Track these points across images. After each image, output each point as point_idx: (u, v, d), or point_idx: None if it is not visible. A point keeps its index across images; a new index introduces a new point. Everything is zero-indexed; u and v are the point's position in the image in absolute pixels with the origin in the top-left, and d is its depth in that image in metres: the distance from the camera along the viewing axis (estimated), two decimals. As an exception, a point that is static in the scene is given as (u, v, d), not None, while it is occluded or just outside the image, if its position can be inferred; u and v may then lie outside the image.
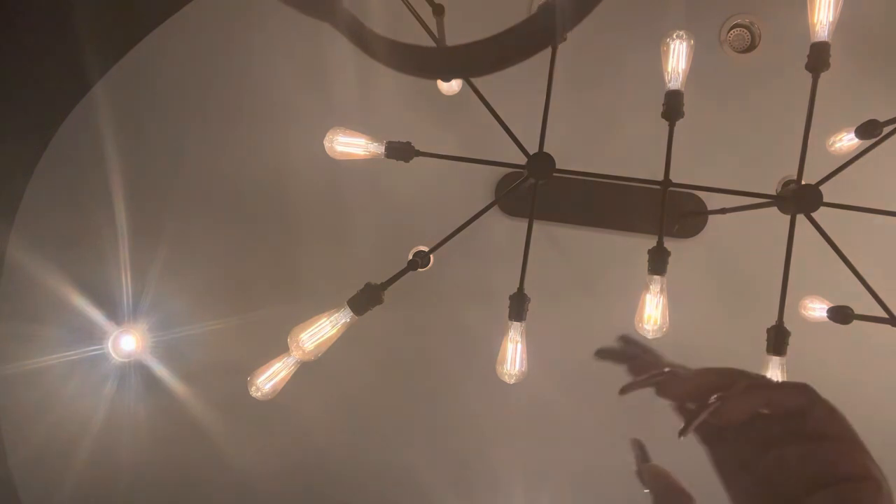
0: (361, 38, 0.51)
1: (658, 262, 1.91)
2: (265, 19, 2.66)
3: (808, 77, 1.88)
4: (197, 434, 2.82)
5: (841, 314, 1.89)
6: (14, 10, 2.40)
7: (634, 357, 0.58)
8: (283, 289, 2.89)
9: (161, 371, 2.83)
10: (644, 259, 1.95)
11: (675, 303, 1.96)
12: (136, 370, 2.84)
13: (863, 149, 1.99)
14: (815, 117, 1.89)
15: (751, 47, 2.80)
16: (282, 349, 1.83)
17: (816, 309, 2.38)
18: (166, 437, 2.91)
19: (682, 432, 0.48)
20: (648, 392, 0.54)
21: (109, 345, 2.78)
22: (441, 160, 2.01)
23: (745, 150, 2.78)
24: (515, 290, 1.91)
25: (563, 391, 2.63)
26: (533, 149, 1.89)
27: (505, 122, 1.91)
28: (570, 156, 1.98)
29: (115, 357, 2.78)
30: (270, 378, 1.84)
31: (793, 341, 1.86)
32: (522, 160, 1.89)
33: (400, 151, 2.00)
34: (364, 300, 1.77)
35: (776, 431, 0.46)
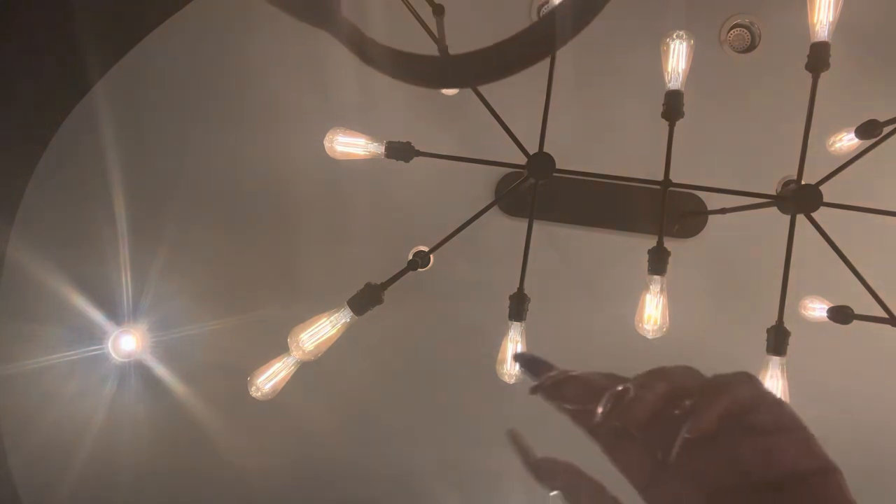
0: (361, 47, 0.51)
1: (658, 262, 1.91)
2: (265, 19, 2.66)
3: (808, 77, 1.88)
4: (197, 434, 2.82)
5: (841, 314, 1.89)
6: (14, 9, 2.40)
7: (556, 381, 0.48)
8: (283, 289, 2.89)
9: (161, 371, 2.83)
10: (644, 259, 1.95)
11: (675, 303, 1.96)
12: (136, 370, 2.84)
13: (863, 149, 1.99)
14: (815, 117, 1.89)
15: (751, 47, 2.80)
16: (282, 349, 1.83)
17: (816, 309, 2.38)
18: (166, 436, 2.91)
19: (670, 454, 0.43)
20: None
21: (109, 345, 2.78)
22: (441, 160, 2.01)
23: (745, 150, 2.78)
24: (515, 290, 1.91)
25: (563, 391, 2.62)
26: (533, 149, 1.89)
27: (505, 122, 1.91)
28: (570, 156, 1.98)
29: (115, 357, 2.78)
30: (270, 378, 1.84)
31: (793, 341, 1.86)
32: (522, 160, 1.89)
33: (400, 151, 2.00)
34: (364, 300, 1.77)
35: (721, 427, 0.42)
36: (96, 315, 2.76)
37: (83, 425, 2.79)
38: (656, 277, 1.92)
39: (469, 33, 1.81)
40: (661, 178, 1.93)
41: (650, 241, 1.95)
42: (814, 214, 1.89)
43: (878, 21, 2.71)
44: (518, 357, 0.53)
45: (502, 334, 1.95)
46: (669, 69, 1.96)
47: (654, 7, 2.52)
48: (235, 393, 2.03)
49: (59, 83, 2.73)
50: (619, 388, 0.44)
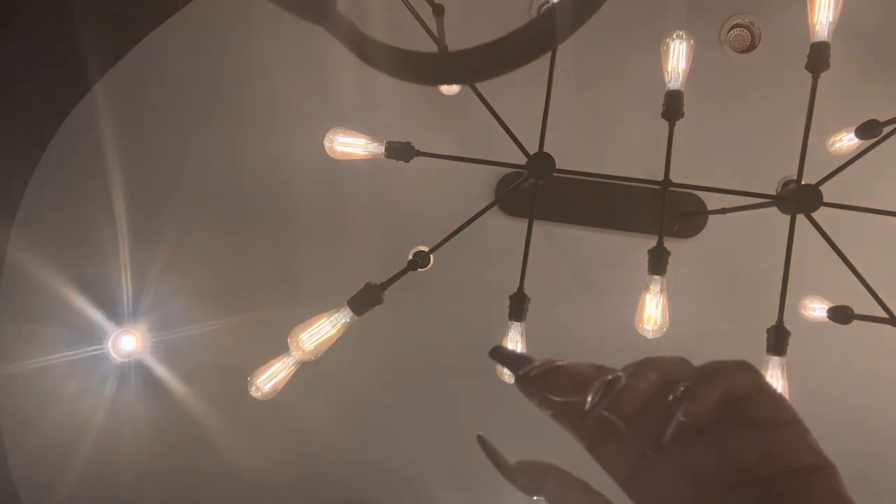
0: (359, 45, 0.51)
1: (658, 262, 1.92)
2: (265, 19, 2.66)
3: (808, 77, 1.89)
4: (197, 434, 2.82)
5: (841, 314, 1.89)
6: (14, 9, 2.40)
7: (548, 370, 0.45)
8: (283, 289, 2.89)
9: (161, 371, 2.83)
10: (644, 259, 1.95)
11: (675, 303, 1.96)
12: (136, 370, 2.84)
13: (863, 149, 1.99)
14: (815, 117, 1.89)
15: (751, 47, 2.80)
16: (282, 349, 1.83)
17: (816, 309, 2.38)
18: (166, 436, 2.91)
19: (657, 445, 0.41)
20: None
21: (109, 345, 2.78)
22: (441, 160, 2.01)
23: (745, 150, 2.78)
24: (515, 290, 1.92)
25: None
26: (533, 149, 1.89)
27: (505, 122, 1.91)
28: (570, 156, 1.98)
29: (116, 357, 2.78)
30: (270, 378, 1.84)
31: (793, 341, 1.86)
32: (522, 160, 1.89)
33: (400, 151, 2.00)
34: (364, 300, 1.78)
35: (717, 414, 0.41)
36: (96, 315, 2.76)
37: (83, 425, 2.79)
38: (656, 277, 1.92)
39: (469, 33, 1.81)
40: (661, 178, 1.93)
41: (650, 241, 1.95)
42: (814, 214, 1.89)
43: (878, 21, 2.71)
44: (494, 352, 0.49)
45: (502, 334, 1.95)
46: (669, 69, 1.96)
47: (654, 7, 2.52)
48: (235, 393, 2.03)
49: (59, 83, 2.73)
50: (610, 377, 0.42)
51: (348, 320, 1.78)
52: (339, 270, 2.71)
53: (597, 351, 2.65)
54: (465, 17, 2.10)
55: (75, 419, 2.80)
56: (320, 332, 1.77)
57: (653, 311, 1.93)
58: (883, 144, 1.98)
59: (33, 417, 2.78)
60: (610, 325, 2.52)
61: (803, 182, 1.90)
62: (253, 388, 1.86)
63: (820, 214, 1.89)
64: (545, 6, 2.72)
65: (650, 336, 1.94)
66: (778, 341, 1.84)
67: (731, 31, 2.81)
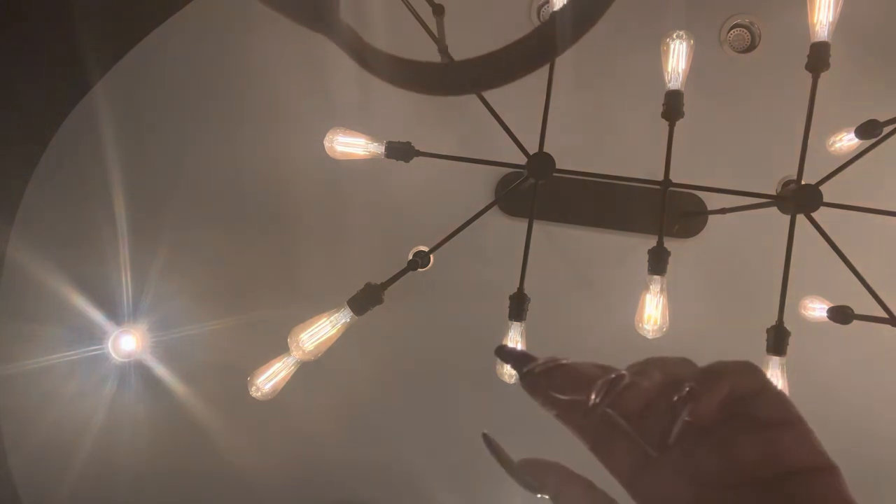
0: (361, 53, 0.51)
1: (658, 262, 1.92)
2: (265, 19, 2.66)
3: (808, 77, 1.89)
4: (197, 434, 2.82)
5: (841, 314, 1.89)
6: (13, 9, 2.40)
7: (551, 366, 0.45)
8: (283, 289, 2.89)
9: (161, 371, 2.83)
10: (644, 259, 1.95)
11: (675, 303, 1.96)
12: (136, 370, 2.84)
13: (863, 149, 1.99)
14: (815, 117, 1.89)
15: (751, 47, 2.80)
16: (282, 349, 1.83)
17: (816, 309, 2.38)
18: (166, 436, 2.91)
19: (662, 445, 0.41)
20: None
21: (109, 345, 2.77)
22: (441, 160, 2.01)
23: (746, 150, 2.78)
24: (515, 290, 1.92)
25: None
26: (533, 149, 1.89)
27: (505, 122, 1.91)
28: (570, 156, 1.98)
29: (115, 357, 2.78)
30: (270, 378, 1.84)
31: (793, 341, 1.86)
32: (522, 160, 1.89)
33: (400, 151, 2.00)
34: (364, 300, 1.78)
35: (721, 415, 0.41)
36: (96, 315, 2.76)
37: (83, 425, 2.79)
38: (656, 277, 1.92)
39: (469, 33, 1.81)
40: (661, 178, 1.93)
41: (650, 241, 1.95)
42: (814, 214, 1.89)
43: (878, 21, 2.71)
44: (499, 351, 0.50)
45: (502, 334, 1.95)
46: (669, 69, 1.96)
47: (654, 7, 2.52)
48: (235, 393, 2.03)
49: (59, 83, 2.73)
50: (614, 375, 0.42)
51: (348, 320, 1.78)
52: (339, 270, 2.71)
53: (597, 351, 2.64)
54: (466, 17, 2.10)
55: (75, 419, 2.80)
56: (320, 332, 1.77)
57: (653, 311, 1.93)
58: (883, 144, 1.97)
59: (33, 417, 2.78)
60: (610, 325, 2.52)
61: (803, 182, 1.90)
62: (253, 388, 1.86)
63: (820, 214, 1.89)
64: (545, 6, 2.72)
65: (650, 336, 1.94)
66: (778, 341, 1.84)
67: (731, 31, 2.81)
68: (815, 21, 1.84)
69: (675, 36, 1.96)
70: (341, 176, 2.71)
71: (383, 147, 2.04)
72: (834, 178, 1.91)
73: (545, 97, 1.90)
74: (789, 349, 1.85)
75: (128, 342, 2.78)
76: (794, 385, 1.85)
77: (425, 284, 2.68)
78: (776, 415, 0.41)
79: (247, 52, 2.76)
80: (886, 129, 1.97)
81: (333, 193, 2.81)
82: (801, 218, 1.90)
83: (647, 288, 1.95)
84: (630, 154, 2.60)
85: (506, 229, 2.77)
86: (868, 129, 2.02)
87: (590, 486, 0.45)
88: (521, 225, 2.02)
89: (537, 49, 0.47)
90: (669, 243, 1.94)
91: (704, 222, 2.81)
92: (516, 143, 1.90)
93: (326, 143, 2.12)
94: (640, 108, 2.34)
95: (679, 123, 1.95)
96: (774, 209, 1.98)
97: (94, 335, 2.78)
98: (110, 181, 2.69)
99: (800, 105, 1.92)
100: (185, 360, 2.85)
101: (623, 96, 2.76)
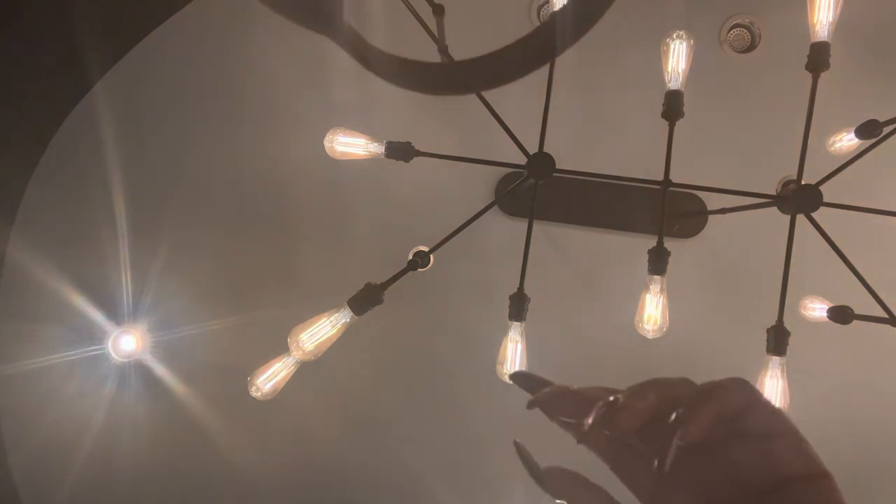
0: (363, 54, 0.51)
1: (658, 262, 1.92)
2: (266, 19, 2.66)
3: (808, 77, 1.89)
4: (197, 434, 2.82)
5: (841, 314, 1.89)
6: (13, 9, 2.40)
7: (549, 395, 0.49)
8: (283, 289, 2.89)
9: (161, 371, 2.83)
10: (644, 259, 1.95)
11: (675, 303, 1.96)
12: (136, 370, 2.84)
13: (863, 149, 1.99)
14: (815, 117, 1.89)
15: (751, 47, 2.81)
16: (282, 349, 1.83)
17: (816, 309, 2.38)
18: (166, 436, 2.91)
19: (661, 471, 0.44)
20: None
21: (109, 345, 2.77)
22: (441, 160, 2.01)
23: (745, 150, 2.78)
24: (515, 290, 1.92)
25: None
26: (533, 149, 1.89)
27: (505, 122, 1.91)
28: (570, 156, 1.98)
29: (116, 357, 2.78)
30: (270, 378, 1.84)
31: (793, 341, 1.86)
32: (522, 160, 1.89)
33: (400, 151, 2.00)
34: (364, 300, 1.77)
35: (712, 434, 0.42)
36: (96, 315, 2.76)
37: (83, 425, 2.79)
38: (656, 277, 1.92)
39: (469, 33, 1.81)
40: (661, 178, 1.94)
41: (650, 241, 1.95)
42: (814, 214, 1.89)
43: (878, 21, 2.71)
44: (514, 376, 0.53)
45: (502, 334, 1.95)
46: (669, 69, 1.96)
47: (654, 7, 2.52)
48: (235, 393, 2.03)
49: (59, 83, 2.73)
50: (610, 398, 0.44)
51: (348, 320, 1.78)
52: (339, 270, 2.71)
53: (597, 351, 2.65)
54: (465, 17, 2.10)
55: (75, 419, 2.80)
56: (320, 332, 1.77)
57: (653, 311, 1.93)
58: (883, 144, 1.98)
59: (33, 417, 2.78)
60: (610, 325, 2.52)
61: (803, 182, 1.90)
62: (253, 389, 1.86)
63: (820, 214, 1.89)
64: (545, 6, 2.72)
65: (650, 336, 1.94)
66: (778, 341, 1.84)
67: (731, 31, 2.81)
68: (815, 21, 1.84)
69: (674, 36, 1.96)
70: (341, 176, 2.71)
71: (383, 147, 2.05)
72: (834, 178, 1.91)
73: (545, 97, 1.90)
74: (789, 349, 1.85)
75: (128, 342, 2.78)
76: (794, 385, 1.85)
77: (425, 284, 2.68)
78: (768, 427, 0.42)
79: (247, 52, 2.76)
80: (886, 129, 1.97)
81: (333, 193, 2.81)
82: (801, 218, 1.90)
83: (647, 288, 1.95)
84: (630, 154, 2.60)
85: (506, 229, 2.77)
86: (868, 129, 2.02)
87: (607, 496, 0.47)
88: (521, 225, 2.02)
89: (537, 49, 0.47)
90: (669, 243, 1.94)
91: (704, 222, 2.81)
92: (516, 143, 1.90)
93: (326, 143, 2.12)
94: (640, 109, 2.34)
95: (679, 123, 1.95)
96: (774, 209, 1.98)
97: (94, 335, 2.78)
98: (110, 181, 2.69)
99: (800, 105, 1.92)
100: (185, 361, 2.85)
101: (623, 96, 2.76)
